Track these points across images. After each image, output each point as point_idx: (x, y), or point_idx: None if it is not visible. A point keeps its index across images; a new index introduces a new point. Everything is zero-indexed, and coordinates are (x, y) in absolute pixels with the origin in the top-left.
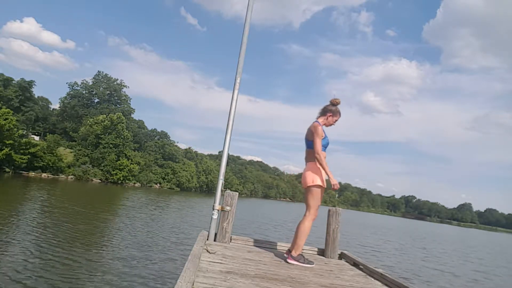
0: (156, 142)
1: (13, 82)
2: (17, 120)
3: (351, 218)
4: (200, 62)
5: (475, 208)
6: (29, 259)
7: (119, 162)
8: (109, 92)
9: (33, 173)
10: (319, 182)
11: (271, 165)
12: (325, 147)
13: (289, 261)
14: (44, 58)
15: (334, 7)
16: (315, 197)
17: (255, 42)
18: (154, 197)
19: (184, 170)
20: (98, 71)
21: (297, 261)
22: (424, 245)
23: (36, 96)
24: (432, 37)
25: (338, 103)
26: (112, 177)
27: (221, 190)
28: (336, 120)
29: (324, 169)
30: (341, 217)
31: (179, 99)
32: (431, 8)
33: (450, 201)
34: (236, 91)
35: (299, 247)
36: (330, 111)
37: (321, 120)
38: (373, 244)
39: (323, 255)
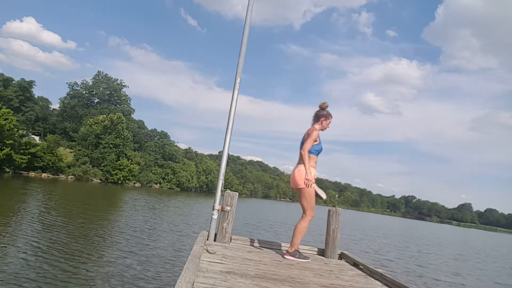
0: (156, 142)
1: (13, 82)
2: (17, 120)
3: (351, 219)
4: (200, 63)
5: (475, 208)
6: (28, 259)
7: (119, 162)
8: (109, 92)
9: (33, 173)
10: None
11: (271, 165)
12: (318, 152)
13: (286, 257)
14: (45, 58)
15: (334, 8)
16: (308, 199)
17: (255, 42)
18: (154, 197)
19: (184, 170)
20: (98, 71)
21: (293, 256)
22: (427, 247)
23: (36, 96)
24: (433, 37)
25: (327, 106)
26: (112, 177)
27: (221, 190)
28: (329, 123)
29: (305, 164)
30: (341, 217)
31: (179, 99)
32: (431, 8)
33: (450, 201)
34: (236, 91)
35: (294, 244)
36: (323, 115)
37: (316, 126)
38: (374, 246)
39: (323, 255)
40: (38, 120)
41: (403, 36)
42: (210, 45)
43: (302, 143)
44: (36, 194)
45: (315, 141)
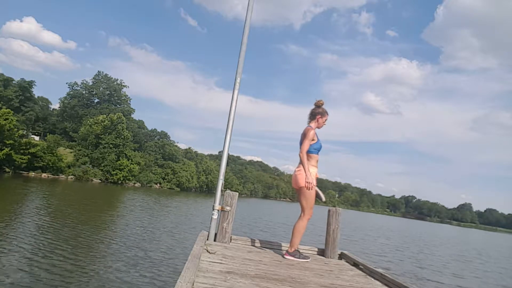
0: (156, 142)
1: (13, 82)
2: (17, 120)
3: (351, 219)
4: (200, 63)
5: (475, 208)
6: (25, 260)
7: (119, 162)
8: (109, 92)
9: (33, 173)
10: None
11: (271, 165)
12: (317, 150)
13: (286, 257)
14: (45, 58)
15: (334, 8)
16: (308, 198)
17: (255, 42)
18: (154, 197)
19: (184, 170)
20: (98, 71)
21: (293, 256)
22: (427, 247)
23: (36, 96)
24: (433, 37)
25: (322, 104)
26: (112, 177)
27: (221, 190)
28: (325, 120)
29: (304, 167)
30: (341, 217)
31: (179, 99)
32: (431, 8)
33: (450, 201)
34: (236, 91)
35: (294, 244)
36: (318, 113)
37: (312, 124)
38: (374, 246)
39: (323, 255)
40: (38, 120)
41: (403, 36)
42: (210, 45)
43: (301, 144)
44: (36, 194)
45: (313, 140)
